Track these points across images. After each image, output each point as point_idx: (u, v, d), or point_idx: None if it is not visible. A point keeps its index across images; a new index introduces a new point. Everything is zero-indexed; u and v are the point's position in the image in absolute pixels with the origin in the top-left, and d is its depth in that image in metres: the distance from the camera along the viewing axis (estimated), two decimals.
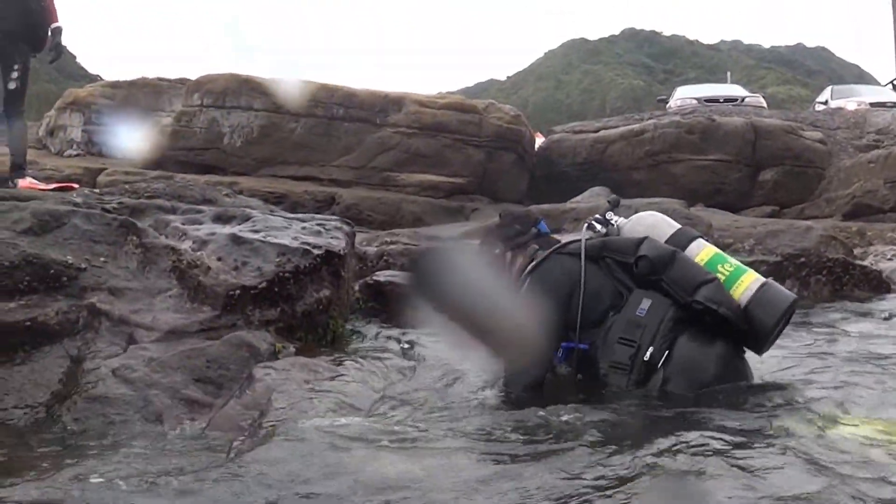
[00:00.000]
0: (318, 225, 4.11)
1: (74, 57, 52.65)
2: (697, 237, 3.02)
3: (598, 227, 3.13)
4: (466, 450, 2.26)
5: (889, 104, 18.12)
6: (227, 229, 3.81)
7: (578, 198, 12.24)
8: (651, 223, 3.08)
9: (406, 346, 3.75)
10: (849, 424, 2.33)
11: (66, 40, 6.40)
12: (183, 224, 3.84)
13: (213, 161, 14.65)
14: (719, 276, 2.83)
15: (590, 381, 2.79)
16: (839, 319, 4.87)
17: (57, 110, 16.82)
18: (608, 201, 3.36)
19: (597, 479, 1.93)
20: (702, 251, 2.93)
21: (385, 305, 4.43)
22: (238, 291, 3.35)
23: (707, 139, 14.50)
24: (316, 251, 3.70)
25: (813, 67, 70.31)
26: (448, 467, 2.07)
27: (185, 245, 3.60)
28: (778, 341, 2.91)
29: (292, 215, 4.41)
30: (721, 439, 2.16)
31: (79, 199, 3.86)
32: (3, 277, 2.98)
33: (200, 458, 2.31)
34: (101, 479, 2.05)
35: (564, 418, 2.44)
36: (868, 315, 5.01)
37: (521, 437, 2.33)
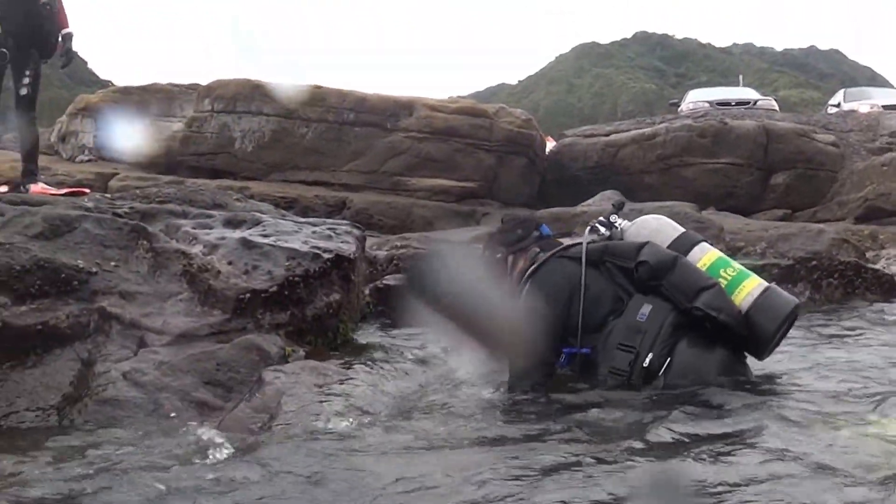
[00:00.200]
0: (329, 229, 4.12)
1: (85, 62, 53.14)
2: (701, 241, 3.01)
3: (602, 230, 3.12)
4: (476, 453, 2.27)
5: None
6: (238, 233, 3.82)
7: (589, 201, 12.19)
8: (655, 227, 3.07)
9: (416, 349, 3.75)
10: (855, 426, 2.32)
11: (76, 46, 6.45)
12: (194, 228, 3.85)
13: (224, 166, 14.73)
14: (721, 280, 2.81)
15: (593, 385, 2.78)
16: (850, 323, 4.84)
17: (68, 116, 16.88)
18: (612, 204, 3.36)
19: (600, 480, 1.93)
20: (704, 255, 2.92)
21: (395, 309, 4.43)
22: (248, 295, 3.36)
23: (719, 142, 14.45)
24: (326, 255, 3.70)
25: (825, 70, 70.07)
26: (459, 469, 2.07)
27: (196, 249, 3.61)
28: (786, 344, 2.89)
29: (303, 219, 4.42)
30: (721, 439, 2.16)
31: (90, 204, 3.87)
32: (14, 281, 2.99)
33: (211, 461, 2.31)
34: (111, 482, 2.06)
35: (571, 421, 2.44)
36: (880, 318, 4.98)
37: (528, 441, 2.32)
